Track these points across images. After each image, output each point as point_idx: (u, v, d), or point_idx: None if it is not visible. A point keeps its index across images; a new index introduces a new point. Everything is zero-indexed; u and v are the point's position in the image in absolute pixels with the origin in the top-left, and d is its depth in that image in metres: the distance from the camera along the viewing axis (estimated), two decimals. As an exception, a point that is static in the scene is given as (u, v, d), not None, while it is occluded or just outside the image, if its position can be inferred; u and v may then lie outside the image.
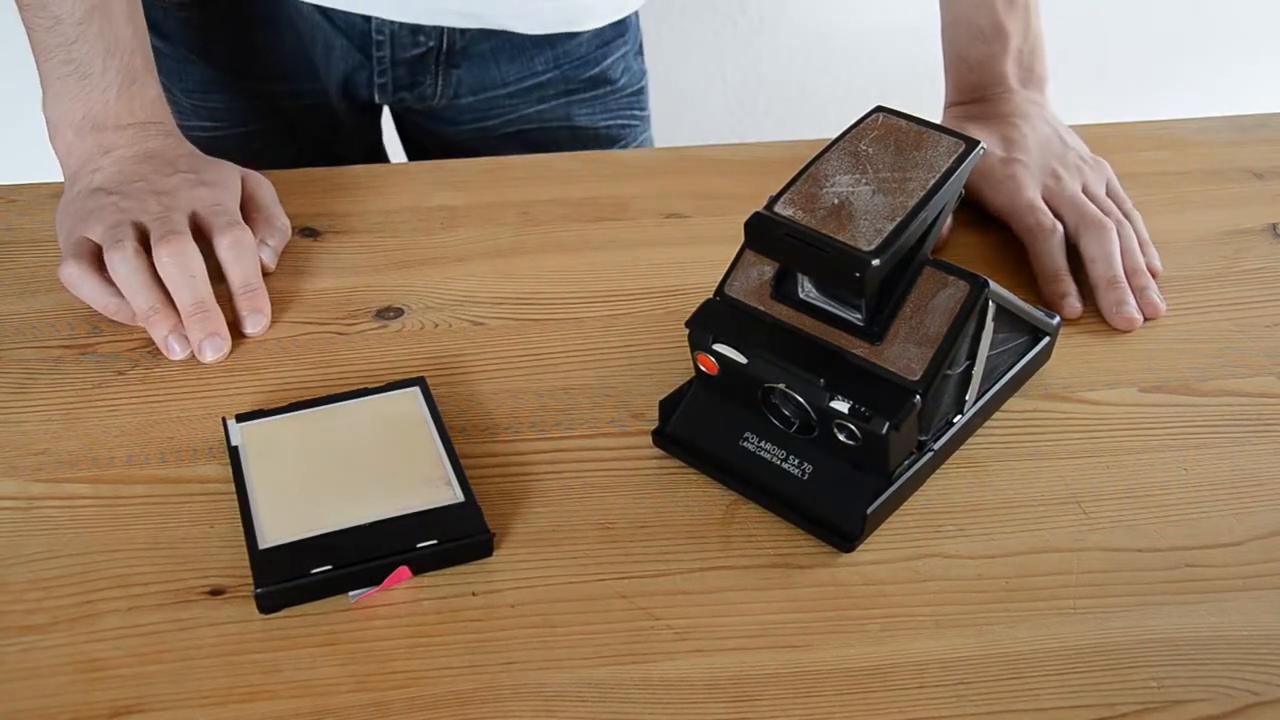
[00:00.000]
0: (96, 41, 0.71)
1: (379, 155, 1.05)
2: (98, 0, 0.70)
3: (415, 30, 0.89)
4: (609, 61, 0.98)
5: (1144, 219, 0.76)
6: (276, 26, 0.89)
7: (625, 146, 1.03)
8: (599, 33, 0.96)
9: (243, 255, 0.67)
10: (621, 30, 0.98)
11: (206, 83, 0.92)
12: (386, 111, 1.01)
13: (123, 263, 0.65)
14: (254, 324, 0.67)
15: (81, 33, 0.70)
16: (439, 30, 0.89)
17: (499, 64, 0.93)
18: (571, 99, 0.97)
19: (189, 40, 0.90)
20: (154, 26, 0.90)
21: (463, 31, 0.90)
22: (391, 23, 0.88)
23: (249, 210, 0.72)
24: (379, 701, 0.48)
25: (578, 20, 0.92)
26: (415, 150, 1.03)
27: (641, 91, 1.03)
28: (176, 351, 0.65)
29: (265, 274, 0.70)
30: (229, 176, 0.72)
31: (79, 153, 0.72)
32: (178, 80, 0.93)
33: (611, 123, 1.00)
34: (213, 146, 0.96)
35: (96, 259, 0.66)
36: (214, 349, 0.64)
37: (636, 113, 1.02)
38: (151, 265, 0.65)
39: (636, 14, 1.01)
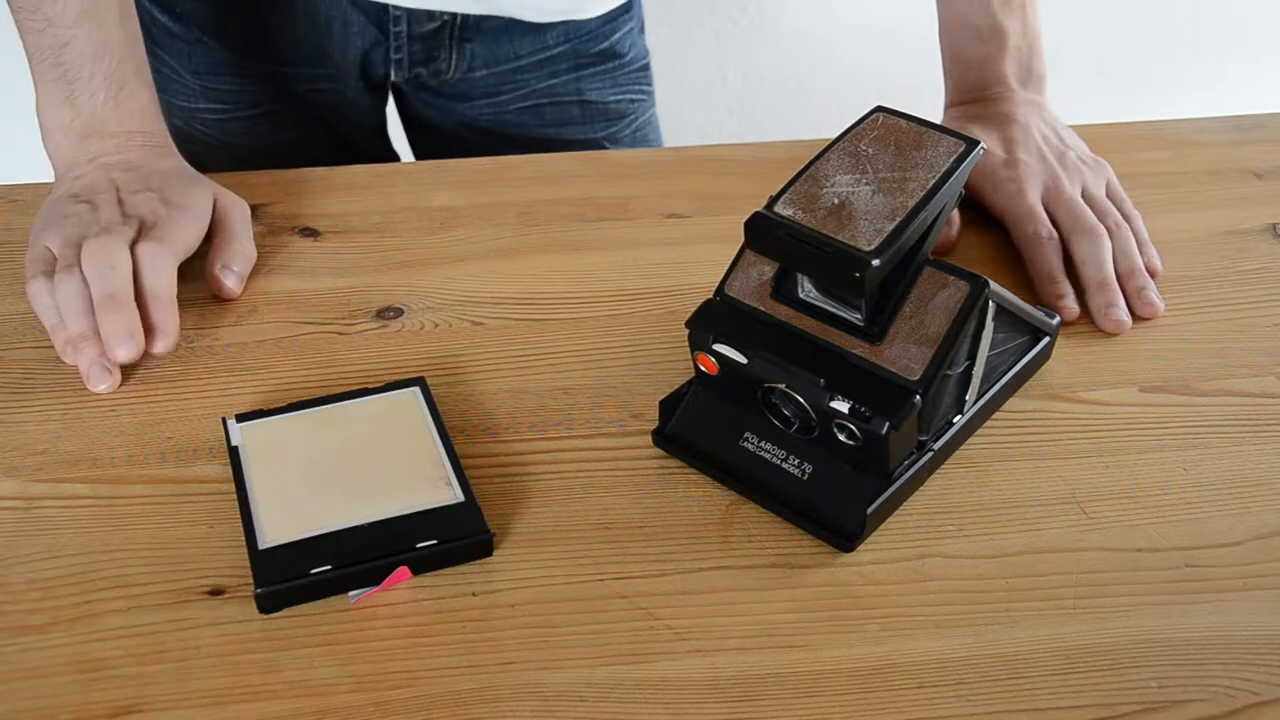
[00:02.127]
0: (86, 45, 0.70)
1: (385, 138, 1.05)
2: (89, 5, 0.70)
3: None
4: (617, 36, 0.99)
5: (1144, 219, 0.76)
6: (290, 7, 0.90)
7: (634, 121, 1.04)
8: (606, 11, 0.97)
9: (154, 265, 0.65)
10: (628, 8, 1.00)
11: (217, 65, 0.92)
12: (391, 100, 1.02)
13: (68, 284, 0.64)
14: (159, 341, 0.64)
15: (72, 36, 0.70)
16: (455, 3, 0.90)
17: (512, 38, 0.94)
18: (581, 73, 0.98)
19: (202, 21, 0.91)
20: (167, 7, 0.90)
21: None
22: None
23: (215, 232, 0.71)
24: (379, 701, 0.49)
25: (583, 8, 0.92)
26: (425, 132, 1.03)
27: (647, 68, 1.04)
28: (99, 381, 0.62)
29: (230, 298, 0.70)
30: (198, 200, 0.71)
31: (66, 156, 0.72)
32: (188, 62, 0.93)
33: (620, 97, 1.02)
34: (221, 129, 0.96)
35: (52, 274, 0.66)
36: (125, 347, 0.61)
37: (644, 88, 1.04)
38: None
39: None
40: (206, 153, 0.98)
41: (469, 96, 0.97)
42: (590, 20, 0.96)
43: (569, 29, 0.95)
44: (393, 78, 0.94)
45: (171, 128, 1.01)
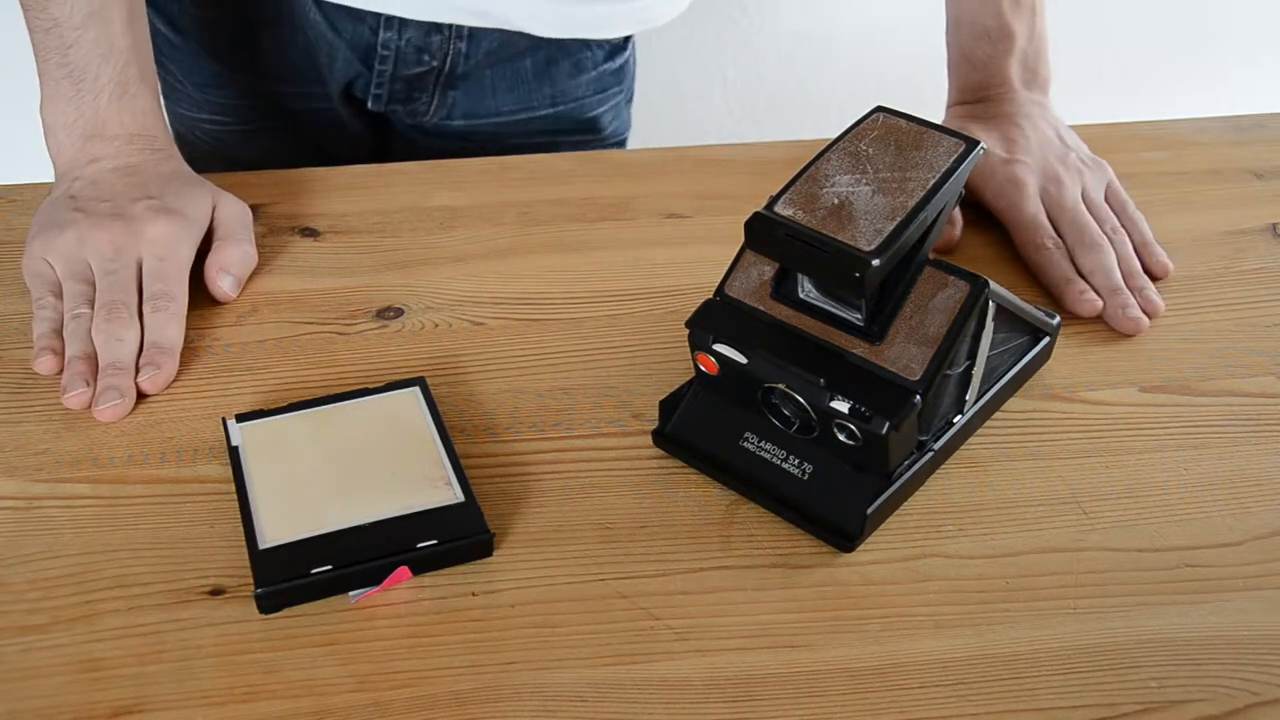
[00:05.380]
0: (92, 47, 0.70)
1: (382, 160, 1.05)
2: (97, 6, 0.70)
3: (421, 50, 0.89)
4: (603, 109, 0.99)
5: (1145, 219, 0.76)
6: (285, 29, 0.90)
7: None
8: (599, 78, 0.97)
9: (160, 320, 0.65)
10: (620, 79, 0.99)
11: (216, 78, 0.93)
12: None
13: (76, 337, 0.64)
14: (147, 376, 0.63)
15: (78, 37, 0.70)
16: (444, 51, 0.89)
17: (496, 94, 0.93)
18: (557, 138, 0.98)
19: (200, 36, 0.91)
20: (169, 20, 0.91)
21: (467, 56, 0.90)
22: (399, 39, 0.88)
23: (216, 235, 0.71)
24: (379, 701, 0.49)
25: (596, 28, 0.92)
26: (389, 149, 1.03)
27: (622, 144, 1.04)
28: (74, 394, 0.61)
29: (226, 301, 0.70)
30: (197, 205, 0.71)
31: (68, 157, 0.72)
32: (189, 73, 0.93)
33: None
34: (220, 141, 0.96)
35: (59, 295, 0.66)
36: (112, 405, 0.61)
37: None
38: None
39: (634, 62, 1.01)
40: (207, 159, 0.98)
41: (440, 135, 0.97)
42: (580, 86, 0.95)
43: (556, 94, 0.95)
44: (370, 106, 0.94)
45: (173, 134, 1.01)
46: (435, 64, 0.90)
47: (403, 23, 0.87)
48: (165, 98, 0.98)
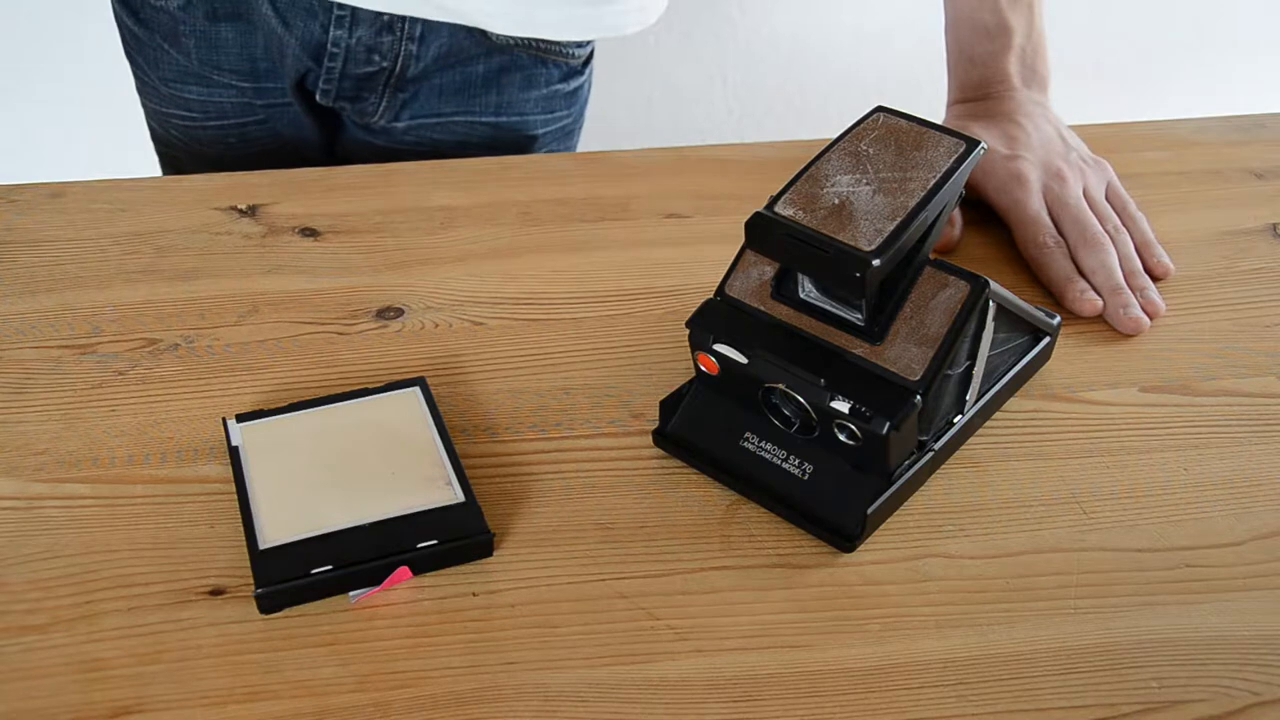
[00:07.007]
0: None
1: (333, 155, 1.04)
2: None
3: (371, 49, 0.88)
4: (546, 130, 0.98)
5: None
6: (242, 22, 0.90)
7: None
8: (549, 97, 0.96)
9: None
10: (570, 103, 0.98)
11: (182, 74, 0.92)
12: None
13: None
14: None
15: None
16: (395, 52, 0.89)
17: (444, 98, 0.93)
18: (492, 153, 0.97)
19: (163, 30, 0.91)
20: (133, 12, 0.91)
21: (417, 58, 0.89)
22: (349, 37, 0.88)
23: None
24: (379, 701, 0.48)
25: (556, 31, 0.91)
26: (333, 147, 1.02)
27: None
28: None
29: None
30: None
31: None
32: (155, 69, 0.93)
33: None
34: (192, 136, 0.96)
35: None
36: None
37: None
38: None
39: (588, 90, 1.00)
40: (182, 156, 0.98)
41: (379, 133, 0.96)
42: (529, 102, 0.95)
43: (502, 103, 0.94)
44: (318, 100, 0.93)
45: (149, 129, 1.01)
46: (385, 64, 0.89)
47: (354, 21, 0.87)
48: (138, 92, 0.98)
